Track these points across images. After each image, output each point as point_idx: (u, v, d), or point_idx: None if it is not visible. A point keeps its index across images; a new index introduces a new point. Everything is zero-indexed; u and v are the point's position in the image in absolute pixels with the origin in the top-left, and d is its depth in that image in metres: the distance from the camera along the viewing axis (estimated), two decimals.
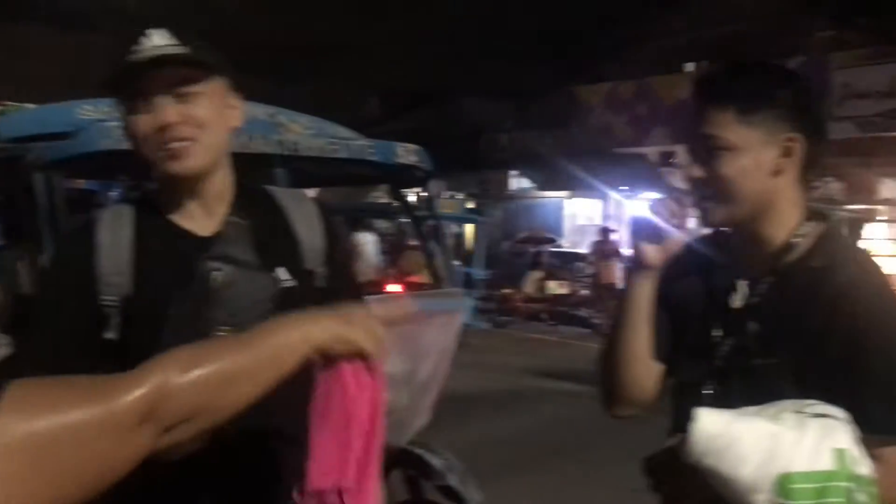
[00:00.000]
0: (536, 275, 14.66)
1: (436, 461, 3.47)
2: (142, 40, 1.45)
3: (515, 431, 5.91)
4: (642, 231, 1.54)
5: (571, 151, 16.47)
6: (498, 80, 16.65)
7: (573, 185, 18.10)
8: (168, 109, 1.44)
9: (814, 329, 1.40)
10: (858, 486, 1.23)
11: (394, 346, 1.29)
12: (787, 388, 1.38)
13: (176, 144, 1.45)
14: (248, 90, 1.92)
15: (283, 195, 1.72)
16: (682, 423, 1.38)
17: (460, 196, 18.69)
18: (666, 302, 1.62)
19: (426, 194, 4.01)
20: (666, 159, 16.54)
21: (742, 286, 1.51)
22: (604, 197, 17.33)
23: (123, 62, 1.45)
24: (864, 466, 1.25)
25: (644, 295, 1.57)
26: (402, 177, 3.83)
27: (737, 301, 1.51)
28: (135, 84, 1.46)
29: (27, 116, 3.32)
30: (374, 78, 16.45)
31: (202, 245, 1.54)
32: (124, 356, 1.47)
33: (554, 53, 15.58)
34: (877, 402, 1.35)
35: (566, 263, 15.43)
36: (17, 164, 2.84)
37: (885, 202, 14.22)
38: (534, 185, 19.68)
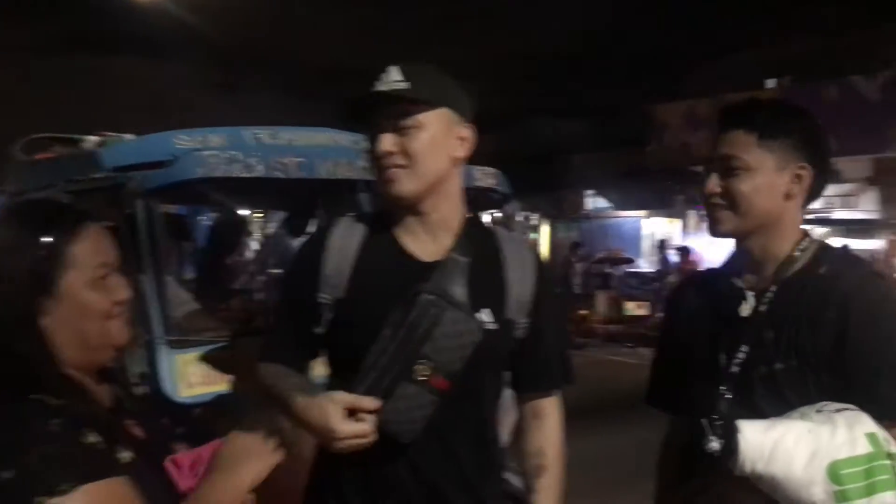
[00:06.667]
0: (606, 295, 14.51)
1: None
2: (381, 76, 1.61)
3: (605, 452, 5.74)
4: None
5: (648, 170, 16.24)
6: (570, 100, 16.60)
7: (650, 205, 17.79)
8: (386, 140, 1.59)
9: (827, 331, 1.53)
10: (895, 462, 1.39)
11: None
12: (802, 390, 1.53)
13: (389, 171, 1.60)
14: (332, 116, 2.04)
15: (504, 237, 1.78)
16: (699, 433, 1.53)
17: (534, 216, 18.60)
18: (676, 326, 1.83)
19: (503, 216, 4.03)
20: None
21: (749, 297, 1.65)
22: (682, 216, 17.01)
23: (355, 98, 1.63)
24: (893, 445, 1.41)
25: None
26: (480, 200, 3.87)
27: (745, 310, 1.64)
28: (371, 116, 1.63)
29: (127, 146, 3.48)
30: None
31: (423, 270, 1.63)
32: (328, 352, 1.70)
33: (628, 72, 15.46)
34: (888, 391, 1.49)
35: (644, 284, 15.17)
36: (119, 192, 2.99)
37: None
38: (610, 204, 19.47)
